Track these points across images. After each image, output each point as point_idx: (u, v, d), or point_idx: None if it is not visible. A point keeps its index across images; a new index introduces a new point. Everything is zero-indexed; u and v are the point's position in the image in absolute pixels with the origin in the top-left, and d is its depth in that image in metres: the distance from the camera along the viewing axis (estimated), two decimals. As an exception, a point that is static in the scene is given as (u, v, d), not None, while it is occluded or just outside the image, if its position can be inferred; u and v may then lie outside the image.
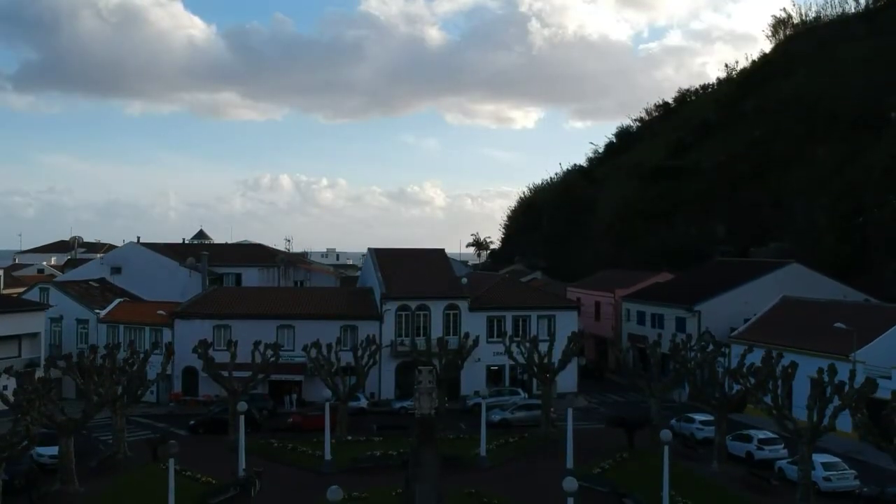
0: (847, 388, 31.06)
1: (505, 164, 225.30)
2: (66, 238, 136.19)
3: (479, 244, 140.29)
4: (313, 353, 47.97)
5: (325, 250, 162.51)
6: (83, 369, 40.14)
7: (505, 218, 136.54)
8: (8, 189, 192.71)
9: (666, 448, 30.63)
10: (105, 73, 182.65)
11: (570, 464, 36.98)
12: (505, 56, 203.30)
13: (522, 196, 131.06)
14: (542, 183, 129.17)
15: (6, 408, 33.55)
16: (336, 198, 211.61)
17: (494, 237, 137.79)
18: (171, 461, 29.84)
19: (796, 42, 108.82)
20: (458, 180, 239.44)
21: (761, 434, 41.23)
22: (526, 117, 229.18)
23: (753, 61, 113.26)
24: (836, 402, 31.52)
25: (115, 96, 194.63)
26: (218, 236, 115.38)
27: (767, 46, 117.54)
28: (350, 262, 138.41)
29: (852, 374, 32.37)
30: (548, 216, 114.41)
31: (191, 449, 42.55)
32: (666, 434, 31.15)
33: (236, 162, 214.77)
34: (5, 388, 35.62)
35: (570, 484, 24.52)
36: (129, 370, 41.82)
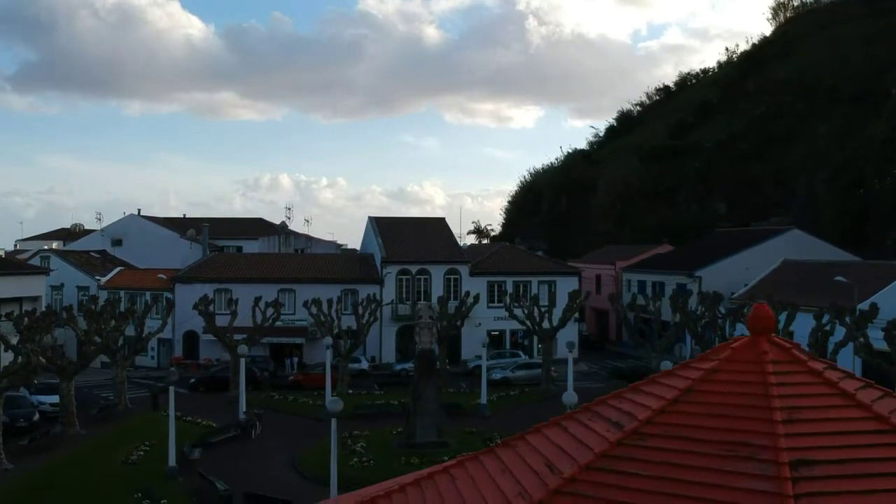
0: (848, 320, 31.10)
1: (505, 163, 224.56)
2: (68, 226, 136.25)
3: (479, 231, 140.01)
4: (314, 310, 47.94)
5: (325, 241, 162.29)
6: (85, 314, 40.19)
7: (506, 203, 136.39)
8: (8, 190, 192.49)
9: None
10: (103, 73, 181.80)
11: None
12: (503, 54, 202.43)
13: (523, 181, 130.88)
14: (543, 168, 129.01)
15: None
16: (336, 197, 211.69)
17: (495, 224, 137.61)
18: (172, 389, 29.87)
19: (796, 24, 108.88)
20: (458, 179, 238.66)
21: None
22: (525, 116, 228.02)
23: (754, 44, 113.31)
24: (839, 336, 31.55)
25: (114, 96, 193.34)
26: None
27: (768, 32, 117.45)
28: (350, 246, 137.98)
29: (852, 311, 32.36)
30: (548, 199, 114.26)
31: (191, 403, 42.75)
32: (666, 365, 31.11)
33: (236, 162, 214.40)
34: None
35: (570, 398, 24.53)
36: (129, 317, 41.91)
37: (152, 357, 58.45)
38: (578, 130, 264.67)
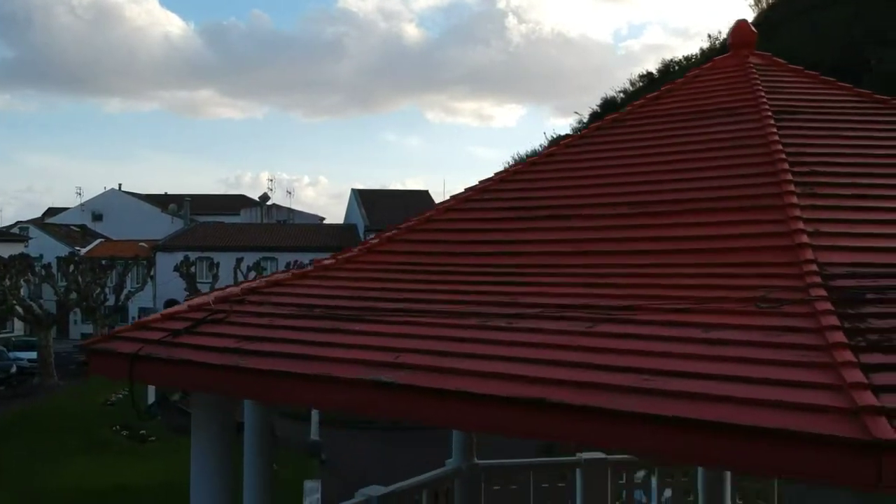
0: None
1: (488, 162, 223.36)
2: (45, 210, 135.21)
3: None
4: (296, 269, 47.63)
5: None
6: (62, 267, 39.83)
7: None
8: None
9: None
10: (81, 71, 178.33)
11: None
12: (483, 52, 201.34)
13: (507, 167, 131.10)
14: (527, 154, 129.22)
15: None
16: (318, 195, 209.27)
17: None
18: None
19: (776, 10, 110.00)
20: (441, 178, 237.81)
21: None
22: (507, 115, 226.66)
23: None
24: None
25: (93, 94, 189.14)
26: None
27: (750, 17, 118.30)
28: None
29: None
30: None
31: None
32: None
33: (217, 160, 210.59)
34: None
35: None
36: (109, 272, 41.58)
37: (133, 327, 58.01)
38: (561, 129, 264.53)
